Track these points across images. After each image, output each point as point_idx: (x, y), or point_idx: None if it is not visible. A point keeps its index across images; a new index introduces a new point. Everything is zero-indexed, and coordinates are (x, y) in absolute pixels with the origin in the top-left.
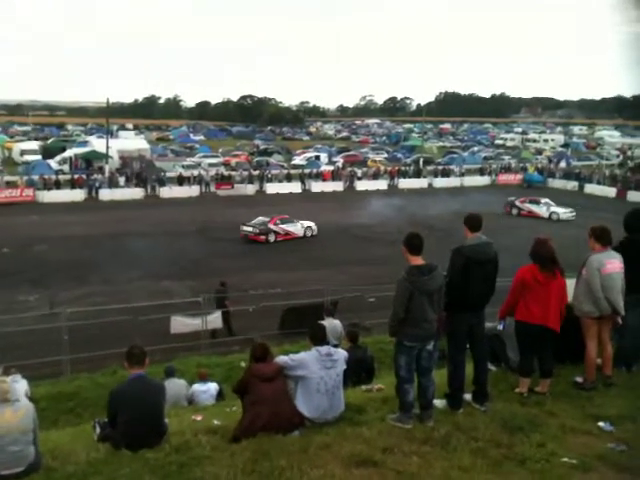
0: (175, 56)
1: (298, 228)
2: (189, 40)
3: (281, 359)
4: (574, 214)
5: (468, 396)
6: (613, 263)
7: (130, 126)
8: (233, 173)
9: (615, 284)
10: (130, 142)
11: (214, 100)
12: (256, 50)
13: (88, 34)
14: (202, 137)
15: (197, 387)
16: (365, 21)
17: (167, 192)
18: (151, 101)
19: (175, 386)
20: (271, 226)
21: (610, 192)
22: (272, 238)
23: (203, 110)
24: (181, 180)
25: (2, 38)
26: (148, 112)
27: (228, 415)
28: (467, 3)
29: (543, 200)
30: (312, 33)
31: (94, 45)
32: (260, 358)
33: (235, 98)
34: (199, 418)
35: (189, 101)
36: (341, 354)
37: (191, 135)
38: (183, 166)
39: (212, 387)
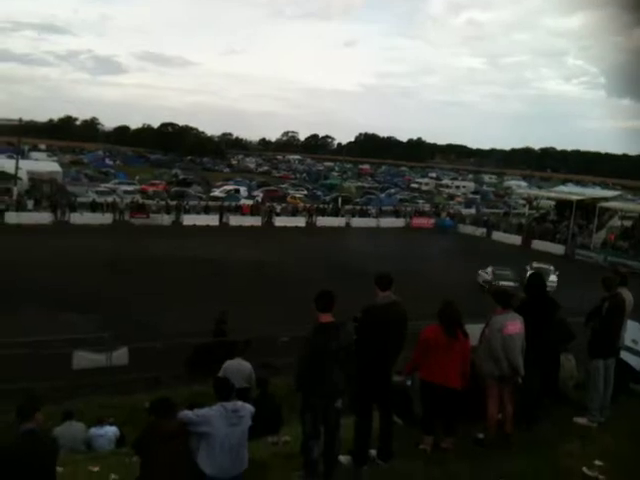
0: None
1: None
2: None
3: (184, 414)
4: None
5: (373, 451)
6: (514, 325)
7: (43, 147)
8: (149, 202)
9: (515, 345)
10: (42, 164)
11: (134, 125)
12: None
13: None
14: (119, 163)
15: (94, 431)
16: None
17: (78, 218)
18: (67, 122)
19: (72, 430)
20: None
21: (516, 240)
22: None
23: (121, 135)
24: (94, 206)
25: None
26: (63, 133)
27: (127, 467)
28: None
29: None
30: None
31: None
32: (162, 414)
33: (156, 125)
34: (95, 469)
35: (107, 124)
36: (247, 410)
37: (107, 160)
38: (97, 192)
39: (110, 431)
